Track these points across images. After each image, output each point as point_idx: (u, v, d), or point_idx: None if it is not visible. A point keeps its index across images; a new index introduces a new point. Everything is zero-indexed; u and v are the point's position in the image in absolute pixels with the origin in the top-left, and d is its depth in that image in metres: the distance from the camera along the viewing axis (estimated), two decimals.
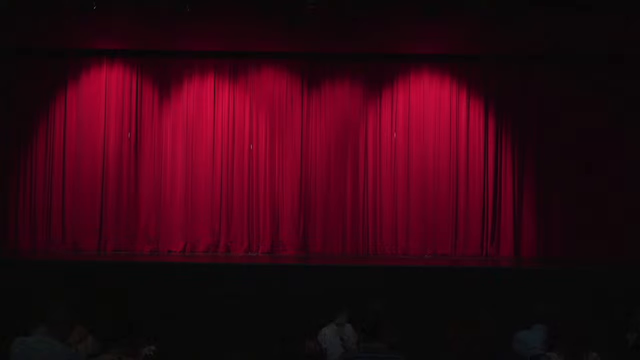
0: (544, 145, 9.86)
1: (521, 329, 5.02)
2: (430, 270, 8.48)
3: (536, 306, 5.09)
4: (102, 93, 9.95)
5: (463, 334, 4.69)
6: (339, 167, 10.02)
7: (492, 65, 9.99)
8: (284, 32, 9.29)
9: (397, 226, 9.94)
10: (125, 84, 10.02)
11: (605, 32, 8.69)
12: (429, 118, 10.02)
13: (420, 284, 7.76)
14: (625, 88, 9.60)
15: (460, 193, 9.92)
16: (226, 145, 10.04)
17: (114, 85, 10.00)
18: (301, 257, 9.70)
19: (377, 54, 9.92)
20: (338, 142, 10.04)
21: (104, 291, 6.50)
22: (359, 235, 9.96)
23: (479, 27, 9.23)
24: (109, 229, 9.83)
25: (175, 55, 10.01)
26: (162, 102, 10.08)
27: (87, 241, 9.77)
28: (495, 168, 9.96)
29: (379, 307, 4.27)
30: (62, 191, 9.85)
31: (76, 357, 4.22)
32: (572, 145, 9.71)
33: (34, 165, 9.91)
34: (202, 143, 10.00)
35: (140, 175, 9.98)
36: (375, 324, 3.87)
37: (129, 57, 10.02)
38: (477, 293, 7.37)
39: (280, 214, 9.97)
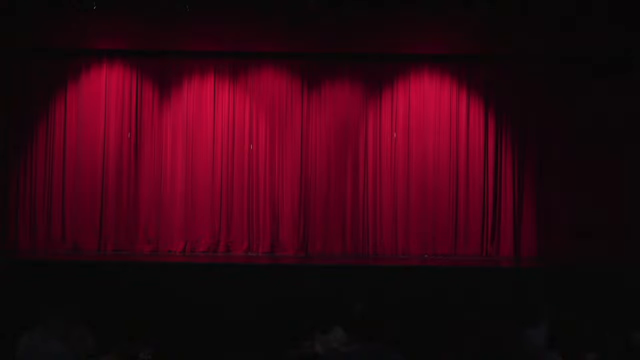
0: (544, 145, 9.86)
1: (521, 329, 5.02)
2: (430, 270, 8.48)
3: (536, 306, 5.09)
4: (102, 93, 9.94)
5: (467, 335, 4.68)
6: (339, 167, 10.02)
7: (492, 65, 9.98)
8: (284, 32, 9.31)
9: (397, 226, 9.94)
10: (125, 84, 10.01)
11: (605, 33, 8.72)
12: (429, 118, 10.02)
13: (420, 284, 7.76)
14: (625, 88, 9.61)
15: (460, 193, 9.92)
16: (226, 145, 10.04)
17: (114, 85, 9.99)
18: (301, 257, 9.70)
19: (377, 54, 9.91)
20: (338, 142, 10.03)
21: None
22: (359, 235, 9.96)
23: (479, 27, 9.27)
24: (109, 229, 9.83)
25: (175, 55, 10.00)
26: (162, 102, 10.07)
27: (87, 241, 9.77)
28: (495, 168, 9.96)
29: (363, 307, 4.27)
30: (62, 191, 9.84)
31: (75, 357, 4.22)
32: (572, 145, 9.70)
33: (34, 165, 9.89)
34: (202, 143, 9.99)
35: (140, 175, 9.97)
36: (368, 324, 3.88)
37: (129, 57, 10.01)
38: (477, 293, 7.37)
39: (280, 214, 9.97)
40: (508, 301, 6.84)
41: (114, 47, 9.84)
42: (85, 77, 9.98)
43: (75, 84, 9.98)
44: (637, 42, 9.20)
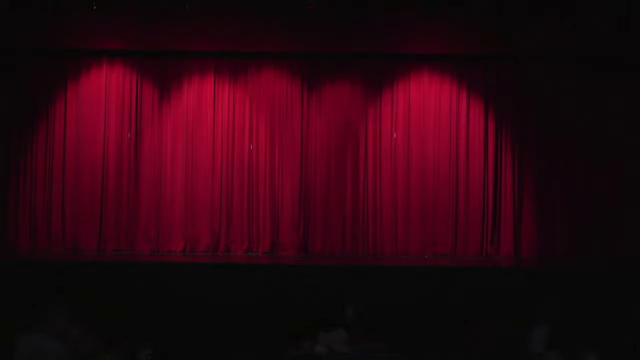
0: (544, 145, 9.87)
1: (521, 329, 5.03)
2: (430, 270, 8.48)
3: (536, 306, 5.10)
4: (102, 93, 9.95)
5: (467, 335, 4.70)
6: (339, 167, 10.02)
7: (492, 65, 9.99)
8: (284, 32, 9.29)
9: (397, 226, 9.94)
10: (125, 84, 10.02)
11: (604, 34, 8.72)
12: (429, 118, 10.02)
13: (420, 284, 7.77)
14: (624, 88, 9.62)
15: (460, 193, 9.92)
16: (226, 146, 10.04)
17: (114, 85, 10.00)
18: (301, 257, 9.70)
19: (377, 54, 9.92)
20: (338, 142, 10.04)
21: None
22: (359, 236, 9.95)
23: (479, 27, 9.26)
24: (109, 229, 9.83)
25: (175, 55, 10.01)
26: (162, 102, 10.08)
27: (87, 241, 9.77)
28: (495, 168, 9.97)
29: (356, 309, 4.27)
30: (62, 191, 9.85)
31: (75, 357, 4.22)
32: (572, 145, 9.71)
33: (34, 165, 9.90)
34: (202, 143, 10.00)
35: (140, 175, 9.98)
36: (367, 324, 3.89)
37: (129, 57, 10.02)
38: (477, 293, 7.37)
39: (280, 214, 9.97)
40: (508, 301, 6.86)
41: (114, 47, 9.85)
42: (85, 77, 9.98)
43: (75, 84, 9.98)
44: (636, 42, 9.19)
